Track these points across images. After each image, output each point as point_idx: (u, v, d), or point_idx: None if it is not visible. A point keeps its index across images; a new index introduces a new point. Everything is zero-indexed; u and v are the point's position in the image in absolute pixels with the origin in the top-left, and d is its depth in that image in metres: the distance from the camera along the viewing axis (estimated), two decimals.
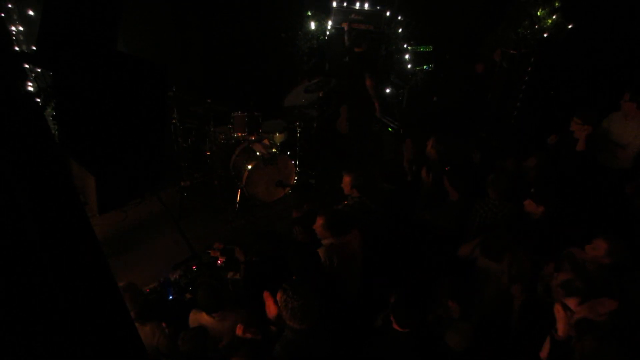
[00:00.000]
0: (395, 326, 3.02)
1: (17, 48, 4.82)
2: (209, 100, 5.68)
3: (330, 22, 6.98)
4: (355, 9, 6.86)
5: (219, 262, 4.79)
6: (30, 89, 4.68)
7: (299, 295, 2.77)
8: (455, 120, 6.60)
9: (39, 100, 4.24)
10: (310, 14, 7.01)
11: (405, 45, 6.95)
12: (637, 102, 4.83)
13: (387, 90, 7.26)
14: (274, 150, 5.82)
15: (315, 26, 7.07)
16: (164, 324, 3.40)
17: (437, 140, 4.88)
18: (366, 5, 6.87)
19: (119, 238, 5.24)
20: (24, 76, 4.43)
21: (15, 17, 5.04)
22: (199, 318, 3.34)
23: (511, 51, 6.14)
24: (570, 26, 5.87)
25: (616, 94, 5.02)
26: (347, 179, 4.53)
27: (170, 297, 4.19)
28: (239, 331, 3.07)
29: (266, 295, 3.05)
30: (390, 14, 6.89)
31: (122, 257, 4.87)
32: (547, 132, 5.63)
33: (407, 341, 2.99)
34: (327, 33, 7.09)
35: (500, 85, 6.46)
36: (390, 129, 7.49)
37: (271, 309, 3.03)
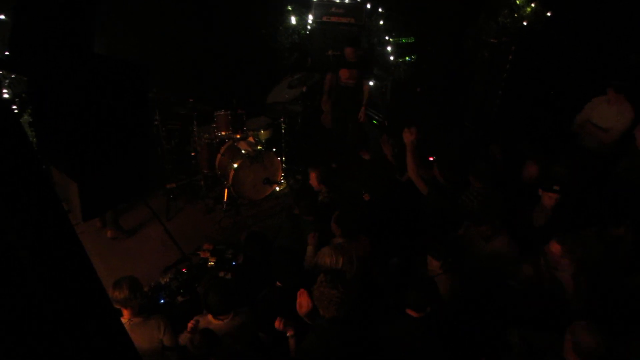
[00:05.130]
0: (409, 311, 3.07)
1: None
2: (191, 100, 5.60)
3: (310, 17, 6.93)
4: (336, 3, 6.83)
5: (209, 263, 4.77)
6: (5, 95, 4.56)
7: (335, 284, 2.86)
8: (439, 110, 6.63)
9: (14, 107, 4.13)
10: (290, 8, 6.96)
11: (387, 38, 6.94)
12: (614, 86, 4.92)
13: (371, 83, 7.25)
14: (259, 147, 5.77)
15: (296, 21, 7.02)
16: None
17: (418, 130, 4.86)
18: None
19: (106, 244, 5.15)
20: None
21: None
22: (206, 323, 3.28)
23: (492, 40, 6.17)
24: (549, 14, 5.92)
25: (597, 80, 5.10)
26: (312, 175, 4.56)
27: (162, 301, 4.14)
28: (279, 325, 3.11)
29: (302, 292, 3.14)
30: (370, 6, 6.87)
31: (110, 264, 4.79)
32: (529, 119, 5.70)
33: (421, 327, 3.04)
34: (308, 27, 7.04)
35: (483, 75, 6.50)
36: (375, 122, 7.49)
37: (304, 305, 3.11)
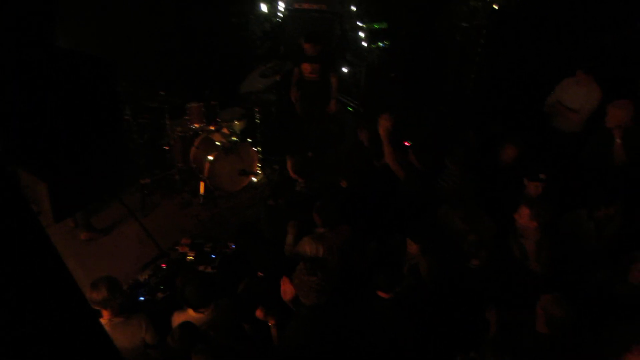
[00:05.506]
0: (379, 292, 3.14)
1: None
2: (162, 93, 5.48)
3: (282, 4, 6.83)
4: None
5: (188, 257, 4.72)
6: None
7: (314, 272, 2.90)
8: (414, 95, 6.66)
9: None
10: None
11: (359, 23, 6.91)
12: (583, 67, 5.01)
13: (345, 70, 7.22)
14: (234, 138, 5.72)
15: (267, 8, 6.91)
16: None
17: (392, 116, 4.87)
18: None
19: (80, 245, 5.01)
20: None
21: None
22: (186, 318, 3.26)
23: (463, 24, 6.21)
24: None
25: (569, 62, 5.18)
26: (289, 164, 4.56)
27: (142, 299, 4.08)
28: (259, 314, 3.15)
29: (284, 280, 3.17)
30: None
31: (86, 265, 4.67)
32: (503, 101, 5.77)
33: (390, 307, 3.13)
34: (280, 15, 6.94)
35: (455, 59, 6.54)
36: (350, 108, 7.48)
37: (287, 292, 3.14)
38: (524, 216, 3.62)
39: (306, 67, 5.96)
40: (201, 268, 4.35)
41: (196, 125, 5.69)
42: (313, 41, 5.77)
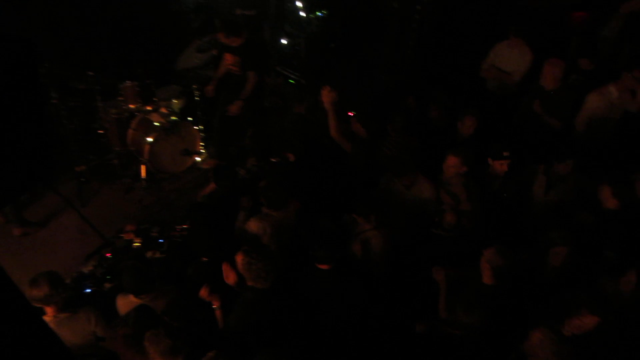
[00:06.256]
0: (320, 265, 3.20)
1: None
2: (90, 73, 5.15)
3: None
4: None
5: (135, 244, 4.56)
6: None
7: (261, 256, 2.94)
8: (355, 64, 6.66)
9: None
10: None
11: None
12: (513, 30, 5.21)
13: (284, 41, 7.08)
14: (173, 118, 5.50)
15: None
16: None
17: (332, 88, 4.83)
18: None
19: (15, 240, 4.72)
20: None
21: None
22: (128, 302, 3.19)
23: None
24: None
25: (503, 25, 5.35)
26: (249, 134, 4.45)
27: (88, 291, 3.92)
28: (203, 293, 3.15)
29: (225, 265, 3.19)
30: None
31: (22, 262, 4.40)
32: (440, 68, 5.88)
33: (330, 278, 3.21)
34: None
35: (393, 26, 6.56)
36: (291, 81, 7.38)
37: (230, 276, 3.17)
38: (455, 164, 3.80)
39: (228, 58, 5.42)
40: (149, 254, 4.23)
41: (132, 106, 5.43)
42: (225, 31, 5.18)
